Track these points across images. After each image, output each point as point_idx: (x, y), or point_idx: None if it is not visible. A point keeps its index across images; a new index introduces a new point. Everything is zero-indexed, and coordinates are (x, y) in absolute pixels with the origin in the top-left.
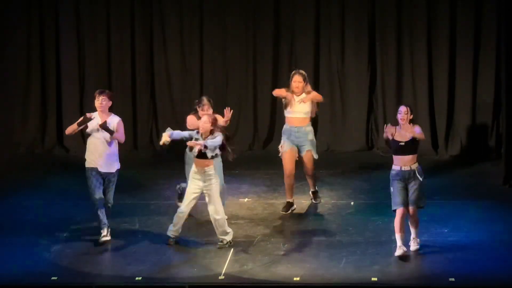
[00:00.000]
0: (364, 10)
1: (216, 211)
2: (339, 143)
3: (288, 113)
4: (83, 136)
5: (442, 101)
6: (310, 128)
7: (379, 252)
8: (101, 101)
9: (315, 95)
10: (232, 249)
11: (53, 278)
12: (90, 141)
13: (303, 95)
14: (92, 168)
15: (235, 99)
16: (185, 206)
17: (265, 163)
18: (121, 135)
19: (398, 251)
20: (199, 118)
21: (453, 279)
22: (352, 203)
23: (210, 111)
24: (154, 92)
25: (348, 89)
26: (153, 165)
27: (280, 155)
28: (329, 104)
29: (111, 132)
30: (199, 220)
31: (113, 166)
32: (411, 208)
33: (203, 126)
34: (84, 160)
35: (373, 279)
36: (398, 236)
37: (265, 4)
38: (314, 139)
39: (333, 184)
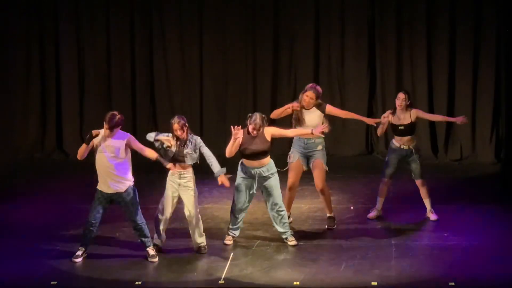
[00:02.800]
0: (363, 15)
1: (190, 213)
2: (338, 148)
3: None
4: (83, 141)
5: (442, 105)
6: (320, 140)
7: (378, 256)
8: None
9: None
10: (232, 254)
11: (52, 282)
12: (96, 160)
13: (314, 108)
14: (101, 191)
15: (235, 105)
16: (165, 211)
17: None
18: (146, 150)
19: (372, 214)
20: (249, 136)
21: (453, 283)
22: (351, 207)
23: (260, 130)
24: (154, 98)
25: (347, 94)
26: (152, 170)
27: (286, 168)
28: None
29: (165, 162)
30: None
31: (124, 184)
32: (419, 181)
33: (180, 134)
34: (86, 158)
35: (373, 283)
36: (379, 199)
37: (265, 10)
38: (325, 152)
39: (333, 188)
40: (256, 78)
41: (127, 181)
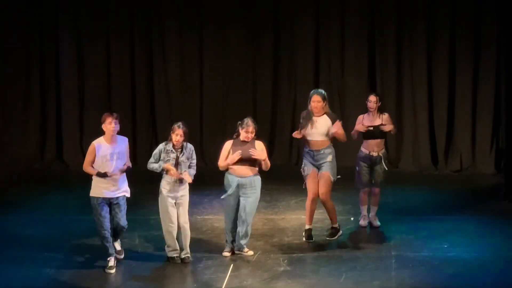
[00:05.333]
0: (363, 26)
1: (186, 221)
2: (338, 159)
3: (308, 136)
4: (82, 151)
5: (442, 117)
6: (330, 150)
7: (378, 268)
8: (114, 125)
9: (340, 133)
10: (232, 265)
11: None
12: (100, 167)
13: (324, 116)
14: (98, 198)
15: (234, 117)
16: (169, 220)
17: (265, 178)
18: (127, 161)
19: (364, 222)
20: (240, 143)
21: None
22: (351, 218)
23: (253, 133)
24: (154, 108)
25: (347, 105)
26: (152, 180)
27: (303, 185)
28: None
29: (129, 168)
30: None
31: (121, 189)
32: (377, 190)
33: (178, 139)
34: (83, 176)
35: None
36: (363, 208)
37: (265, 20)
38: (335, 162)
39: (333, 199)
40: (256, 90)
41: (126, 186)
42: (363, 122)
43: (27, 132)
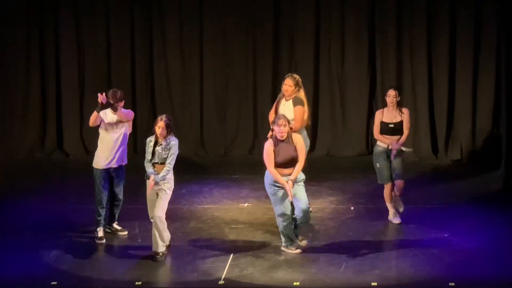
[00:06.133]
0: (364, 15)
1: (159, 214)
2: (339, 148)
3: None
4: (83, 141)
5: (442, 106)
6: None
7: (379, 257)
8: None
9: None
10: (232, 254)
11: (53, 282)
12: (103, 137)
13: (291, 100)
14: (98, 169)
15: (235, 106)
16: (151, 212)
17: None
18: (127, 115)
19: (397, 219)
20: (278, 142)
21: (453, 284)
22: (352, 207)
23: (286, 126)
24: (154, 98)
25: (348, 94)
26: (144, 169)
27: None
28: (329, 109)
29: (111, 105)
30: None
31: (123, 160)
32: (401, 182)
33: (161, 132)
34: (86, 158)
35: (373, 283)
36: (390, 205)
37: (265, 10)
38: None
39: (333, 188)
40: (256, 79)
41: (124, 155)
42: (383, 119)
43: (27, 121)
